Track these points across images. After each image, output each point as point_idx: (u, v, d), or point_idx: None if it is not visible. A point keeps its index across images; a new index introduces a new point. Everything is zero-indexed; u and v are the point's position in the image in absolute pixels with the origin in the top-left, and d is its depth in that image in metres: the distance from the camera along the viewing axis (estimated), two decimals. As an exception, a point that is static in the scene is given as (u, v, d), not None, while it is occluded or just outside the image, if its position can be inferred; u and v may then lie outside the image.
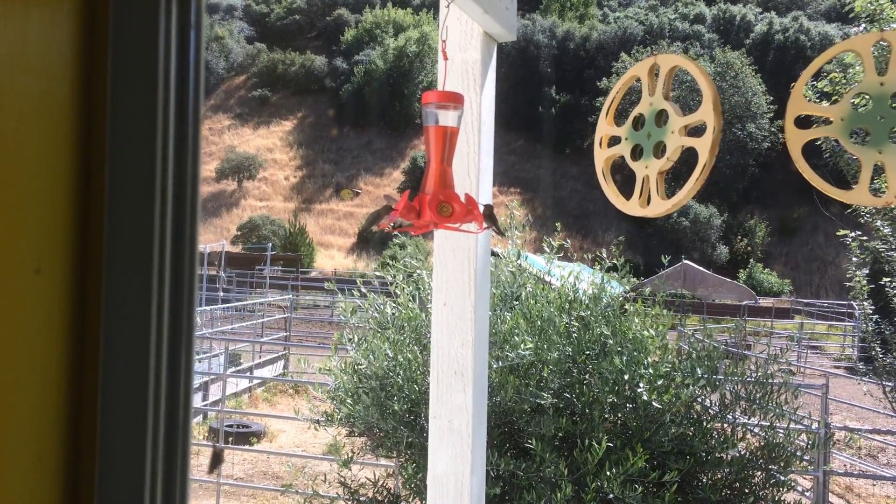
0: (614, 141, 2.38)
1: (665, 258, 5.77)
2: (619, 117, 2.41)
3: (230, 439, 8.98)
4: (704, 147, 2.07)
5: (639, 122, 2.28)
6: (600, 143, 2.40)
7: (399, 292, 4.71)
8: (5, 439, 0.48)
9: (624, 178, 2.45)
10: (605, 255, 4.75)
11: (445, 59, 2.07)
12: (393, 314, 4.66)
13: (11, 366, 0.48)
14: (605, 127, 2.40)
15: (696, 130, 2.17)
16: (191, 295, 0.51)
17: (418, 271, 4.93)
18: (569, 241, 5.33)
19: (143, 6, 0.50)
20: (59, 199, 0.50)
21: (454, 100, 1.79)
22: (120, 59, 0.50)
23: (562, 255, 4.98)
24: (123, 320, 0.51)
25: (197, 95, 0.52)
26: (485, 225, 1.82)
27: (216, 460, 6.92)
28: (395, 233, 1.86)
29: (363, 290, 4.90)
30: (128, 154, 0.50)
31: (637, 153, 2.27)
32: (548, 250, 4.90)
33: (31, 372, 0.49)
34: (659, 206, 2.21)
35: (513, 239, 4.88)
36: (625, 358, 3.87)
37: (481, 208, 1.80)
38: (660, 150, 2.21)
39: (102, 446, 0.51)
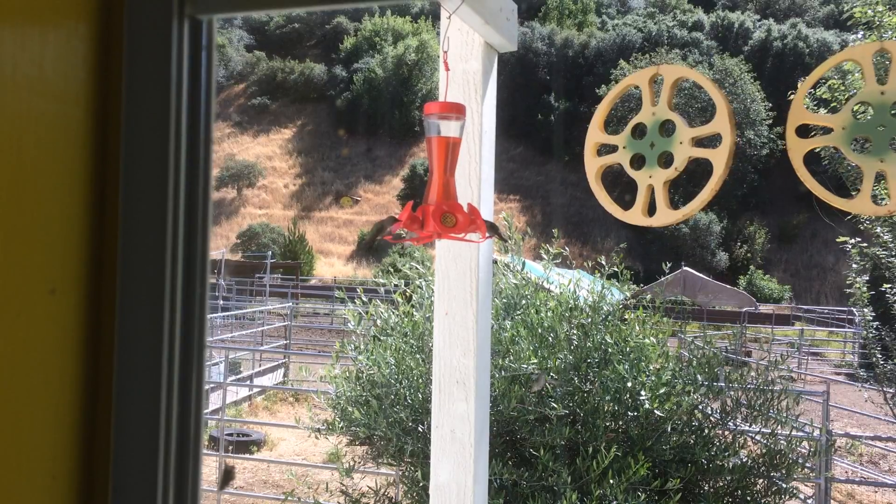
0: (605, 149, 2.37)
1: (665, 265, 5.76)
2: (609, 125, 2.41)
3: (230, 448, 8.96)
4: (720, 159, 2.07)
5: (637, 131, 2.28)
6: (591, 151, 2.39)
7: (402, 300, 4.71)
8: (21, 459, 0.48)
9: (619, 186, 2.45)
10: (604, 261, 4.75)
11: (447, 69, 2.07)
12: (396, 322, 4.66)
13: (27, 385, 0.48)
14: (596, 135, 2.39)
15: (703, 141, 2.18)
16: (202, 316, 0.52)
17: (418, 279, 4.92)
18: (567, 248, 5.32)
19: (156, 29, 0.50)
20: (75, 222, 0.50)
21: (456, 110, 1.80)
22: (134, 82, 0.51)
23: (559, 261, 4.98)
24: (137, 340, 0.51)
25: (208, 117, 0.52)
26: (487, 234, 1.83)
27: (227, 477, 6.91)
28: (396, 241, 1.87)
29: (364, 298, 4.90)
30: (141, 176, 0.51)
31: (637, 162, 2.28)
32: (545, 257, 4.89)
33: (47, 391, 0.49)
34: (667, 217, 2.21)
35: (518, 247, 4.87)
36: (626, 366, 3.87)
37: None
38: (663, 159, 2.21)
39: (116, 465, 0.51)
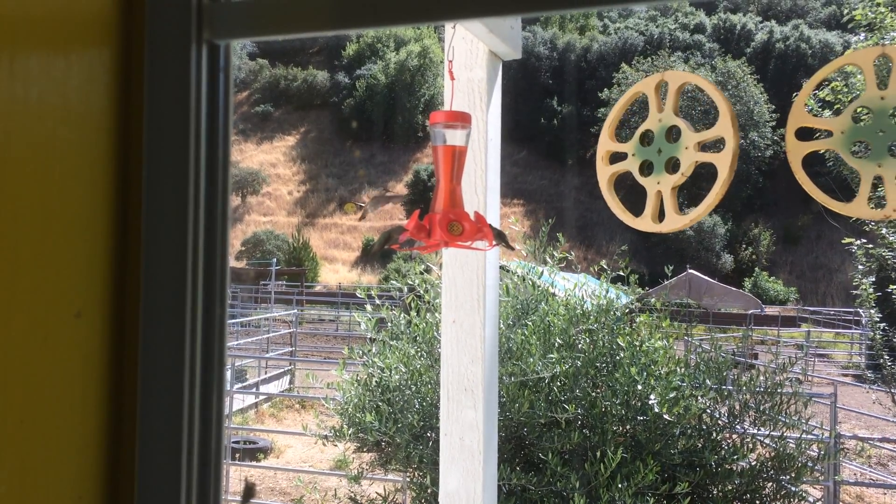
0: (617, 157, 2.38)
1: (668, 268, 5.76)
2: (620, 133, 2.42)
3: (237, 455, 8.97)
4: (724, 163, 2.08)
5: (646, 138, 2.29)
6: (603, 160, 2.40)
7: (415, 303, 4.72)
8: (48, 479, 0.49)
9: (622, 191, 2.46)
10: (607, 265, 4.76)
11: (452, 79, 2.09)
12: (406, 327, 4.67)
13: (53, 406, 0.49)
14: (607, 143, 2.40)
15: (707, 145, 2.19)
16: (221, 337, 0.53)
17: (437, 282, 4.93)
18: (573, 252, 5.33)
19: (176, 55, 0.51)
20: (99, 246, 0.51)
21: (462, 119, 1.81)
22: (154, 107, 0.52)
23: (564, 265, 4.98)
24: (159, 362, 0.52)
25: (226, 139, 0.53)
26: (494, 242, 1.83)
27: (248, 494, 6.92)
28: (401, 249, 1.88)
29: (378, 301, 4.91)
30: (163, 200, 0.52)
31: (645, 169, 2.28)
32: (549, 261, 4.90)
33: (72, 412, 0.50)
34: (675, 222, 2.21)
35: (538, 255, 4.88)
36: (637, 370, 3.87)
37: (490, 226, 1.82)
38: (671, 165, 2.22)
39: (140, 485, 0.52)
